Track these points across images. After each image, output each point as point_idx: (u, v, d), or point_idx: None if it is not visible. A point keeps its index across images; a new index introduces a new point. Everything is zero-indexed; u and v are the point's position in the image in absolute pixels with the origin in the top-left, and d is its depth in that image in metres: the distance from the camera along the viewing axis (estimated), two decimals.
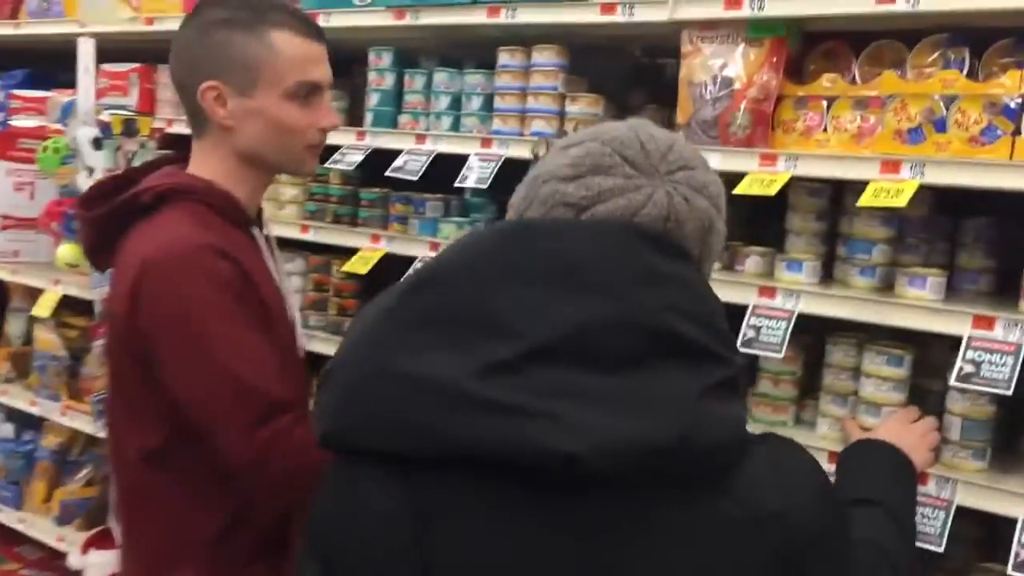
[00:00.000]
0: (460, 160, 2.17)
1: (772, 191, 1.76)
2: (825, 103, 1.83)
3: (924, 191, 1.87)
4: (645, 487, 0.92)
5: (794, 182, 1.91)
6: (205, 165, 1.64)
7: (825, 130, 1.83)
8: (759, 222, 2.04)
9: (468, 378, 0.89)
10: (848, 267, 1.88)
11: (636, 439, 0.89)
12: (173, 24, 2.62)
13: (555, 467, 0.88)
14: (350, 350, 0.97)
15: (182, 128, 2.73)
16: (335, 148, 2.35)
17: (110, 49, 2.91)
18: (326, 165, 2.36)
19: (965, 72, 1.72)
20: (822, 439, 1.84)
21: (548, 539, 0.92)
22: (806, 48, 1.97)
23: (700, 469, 0.94)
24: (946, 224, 1.96)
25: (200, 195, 1.58)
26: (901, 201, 1.63)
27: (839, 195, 1.94)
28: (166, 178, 1.62)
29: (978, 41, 1.77)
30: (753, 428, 1.76)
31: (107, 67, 2.93)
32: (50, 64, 3.20)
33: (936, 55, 1.77)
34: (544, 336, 0.90)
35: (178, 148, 2.88)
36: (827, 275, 1.93)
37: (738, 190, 1.79)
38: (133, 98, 2.85)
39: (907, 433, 1.64)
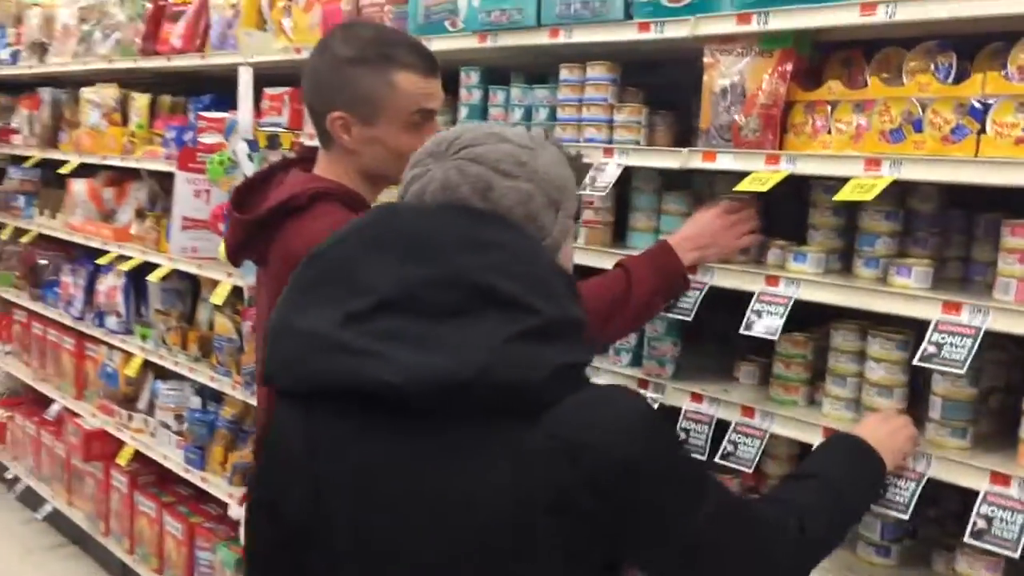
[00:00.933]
0: None
1: (766, 187, 1.95)
2: (829, 107, 1.99)
3: (935, 188, 2.01)
4: (463, 417, 1.15)
5: (814, 181, 2.08)
6: (332, 172, 1.97)
7: (829, 132, 1.99)
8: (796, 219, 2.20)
9: (333, 327, 1.17)
10: (857, 259, 2.02)
11: (442, 373, 1.12)
12: None
13: (385, 396, 1.13)
14: (273, 311, 1.28)
15: None
16: None
17: (270, 74, 3.42)
18: None
19: (953, 75, 1.84)
20: (825, 417, 2.00)
21: (393, 460, 1.18)
22: (826, 57, 2.13)
23: (506, 403, 1.14)
24: (960, 219, 2.06)
25: (340, 197, 1.91)
26: (870, 196, 1.78)
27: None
28: (311, 182, 1.93)
29: (976, 45, 1.88)
30: (769, 407, 1.97)
31: (268, 91, 3.44)
32: (232, 88, 3.77)
33: (926, 60, 1.89)
34: (387, 292, 1.17)
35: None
36: (847, 268, 2.08)
37: (739, 187, 1.99)
38: (285, 116, 3.34)
39: (879, 427, 1.77)
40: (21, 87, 5.62)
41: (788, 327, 2.00)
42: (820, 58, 2.13)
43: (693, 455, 1.45)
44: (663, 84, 2.44)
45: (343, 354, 1.16)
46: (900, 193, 2.02)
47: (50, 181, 5.27)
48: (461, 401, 1.15)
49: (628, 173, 2.34)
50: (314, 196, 1.89)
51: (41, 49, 5.31)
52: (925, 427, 1.85)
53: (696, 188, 2.32)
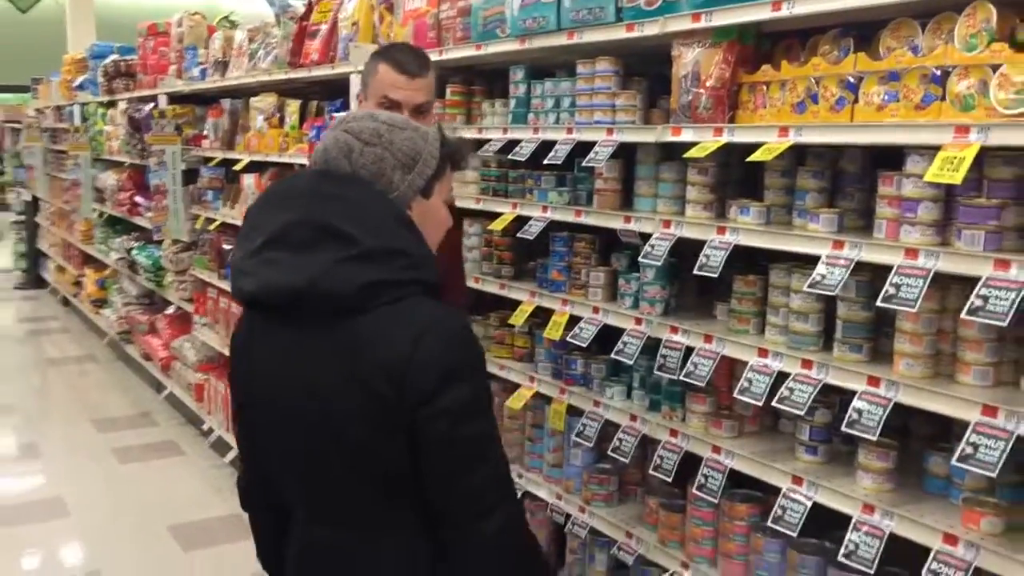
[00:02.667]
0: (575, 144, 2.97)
1: (703, 154, 2.40)
2: (765, 87, 2.42)
3: (859, 151, 2.39)
4: (311, 321, 1.61)
5: (767, 150, 2.51)
6: None
7: (765, 107, 2.42)
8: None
9: (244, 257, 1.66)
10: (794, 212, 2.44)
11: (285, 283, 1.59)
12: None
13: (250, 302, 1.67)
14: None
15: None
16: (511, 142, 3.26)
17: None
18: (490, 153, 3.31)
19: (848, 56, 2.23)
20: (765, 341, 2.43)
21: (280, 355, 1.67)
22: (775, 45, 2.54)
23: (332, 308, 1.58)
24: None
25: None
26: (768, 156, 2.21)
27: (803, 158, 2.49)
28: None
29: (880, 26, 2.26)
30: (724, 335, 2.43)
31: None
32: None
33: (832, 44, 2.29)
34: (274, 232, 1.62)
35: None
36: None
37: (687, 155, 2.46)
38: None
39: None
40: (209, 99, 6.63)
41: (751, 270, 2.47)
42: (772, 46, 2.55)
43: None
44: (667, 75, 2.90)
45: (243, 275, 1.67)
46: (833, 156, 2.43)
47: (232, 178, 6.23)
48: (305, 308, 1.60)
49: (633, 148, 2.84)
50: None
51: (223, 66, 6.27)
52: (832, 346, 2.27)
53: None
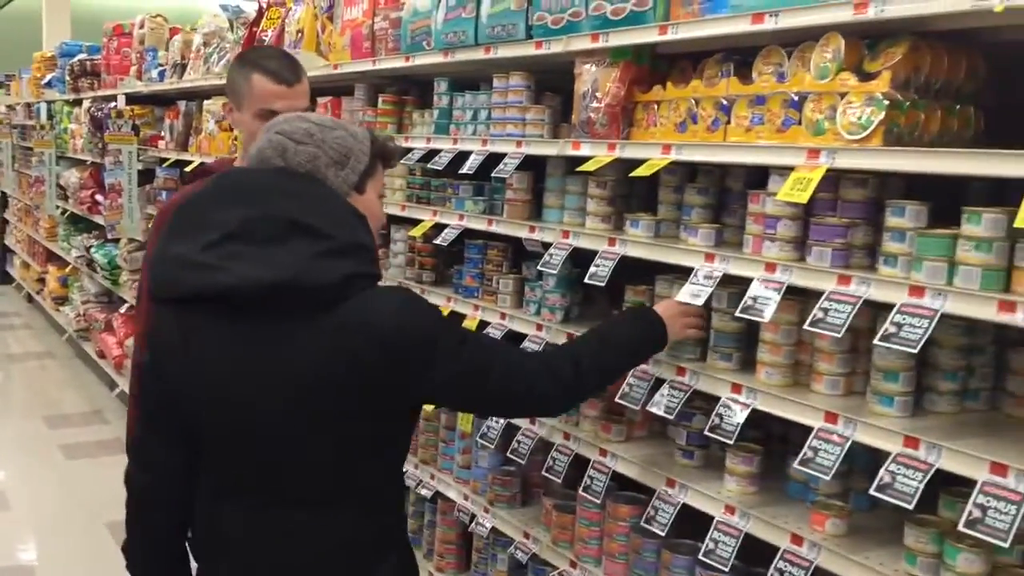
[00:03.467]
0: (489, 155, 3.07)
1: (593, 167, 2.51)
2: (656, 106, 2.52)
3: (743, 170, 2.50)
4: (284, 312, 1.66)
5: (649, 165, 2.61)
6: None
7: (655, 125, 2.52)
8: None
9: (195, 252, 1.68)
10: (681, 226, 2.54)
11: (266, 279, 1.64)
12: (351, 67, 3.83)
13: (230, 297, 1.65)
14: (154, 247, 1.90)
15: None
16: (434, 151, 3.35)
17: (320, 87, 4.19)
18: (413, 161, 3.41)
19: (729, 78, 2.34)
20: None
21: (239, 348, 1.70)
22: (671, 67, 2.65)
23: (312, 300, 1.66)
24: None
25: (205, 173, 2.66)
26: (649, 172, 2.32)
27: (694, 175, 2.60)
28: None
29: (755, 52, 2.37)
30: None
31: (319, 99, 4.22)
32: None
33: (716, 67, 2.40)
34: (231, 227, 1.67)
35: None
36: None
37: (582, 167, 2.56)
38: None
39: (673, 308, 2.29)
40: (168, 101, 6.71)
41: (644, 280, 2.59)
42: (668, 68, 2.65)
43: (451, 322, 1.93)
44: None
45: (202, 270, 1.67)
46: (721, 174, 2.54)
47: (186, 179, 6.30)
48: (282, 300, 1.66)
49: (544, 160, 2.94)
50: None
51: (181, 69, 6.35)
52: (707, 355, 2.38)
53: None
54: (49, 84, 9.71)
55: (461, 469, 3.28)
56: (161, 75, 6.62)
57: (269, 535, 1.81)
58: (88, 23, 13.82)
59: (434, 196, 3.44)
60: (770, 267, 2.10)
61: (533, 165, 2.99)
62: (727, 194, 2.54)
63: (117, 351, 7.27)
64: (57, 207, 9.13)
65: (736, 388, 2.20)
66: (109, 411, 7.08)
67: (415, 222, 3.49)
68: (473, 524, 3.14)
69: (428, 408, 3.31)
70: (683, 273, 2.46)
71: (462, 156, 3.16)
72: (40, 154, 9.52)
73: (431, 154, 3.34)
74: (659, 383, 2.39)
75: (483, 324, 3.07)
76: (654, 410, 2.33)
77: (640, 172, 2.36)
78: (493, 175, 2.98)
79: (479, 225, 3.12)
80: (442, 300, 3.31)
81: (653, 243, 2.48)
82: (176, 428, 1.85)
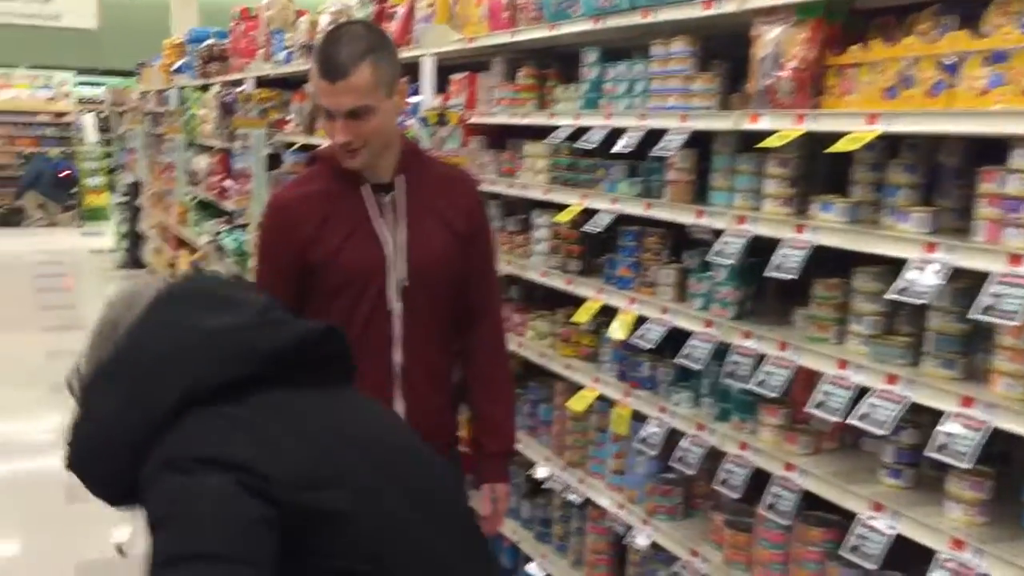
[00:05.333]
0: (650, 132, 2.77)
1: (781, 143, 2.18)
2: (853, 70, 2.18)
3: (960, 143, 2.14)
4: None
5: (852, 139, 2.27)
6: None
7: (852, 92, 2.18)
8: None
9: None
10: (883, 209, 2.20)
11: None
12: (488, 40, 3.59)
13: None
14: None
15: (493, 119, 3.68)
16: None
17: (451, 64, 3.96)
18: (559, 140, 3.15)
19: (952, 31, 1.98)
20: (848, 353, 2.19)
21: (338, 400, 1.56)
22: (868, 25, 2.29)
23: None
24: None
25: (327, 159, 2.42)
26: (852, 147, 1.98)
27: (894, 150, 2.24)
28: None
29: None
30: (801, 343, 2.21)
31: (453, 76, 3.99)
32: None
33: (932, 22, 2.04)
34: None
35: (489, 135, 3.84)
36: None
37: (764, 143, 2.24)
38: (463, 98, 3.86)
39: None
40: (295, 83, 6.61)
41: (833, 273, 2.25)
42: (864, 26, 2.30)
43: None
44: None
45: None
46: (930, 148, 2.18)
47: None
48: None
49: (711, 136, 2.63)
50: (312, 158, 2.51)
51: (308, 50, 6.23)
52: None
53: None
54: (179, 70, 9.83)
55: (613, 475, 3.01)
56: (288, 57, 6.53)
57: None
58: (216, 9, 14.07)
59: (582, 178, 3.16)
60: (1014, 259, 1.75)
61: (694, 142, 2.67)
62: (939, 171, 2.17)
63: None
64: (187, 193, 9.25)
65: (967, 401, 1.85)
66: None
67: (560, 207, 3.22)
68: (629, 536, 2.87)
69: (576, 408, 3.06)
70: (888, 264, 2.12)
71: (614, 134, 2.88)
72: (171, 140, 9.66)
73: (578, 133, 3.07)
74: (862, 392, 2.06)
75: (641, 320, 2.79)
76: (861, 424, 2.00)
77: (840, 147, 2.03)
78: (651, 154, 2.68)
79: (635, 210, 2.82)
80: (592, 291, 3.04)
81: (851, 229, 2.14)
82: None
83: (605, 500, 3.01)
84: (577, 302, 3.15)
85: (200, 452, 1.35)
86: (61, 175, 17.13)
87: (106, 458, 1.41)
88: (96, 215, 16.91)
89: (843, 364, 2.14)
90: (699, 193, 2.72)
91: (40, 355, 8.34)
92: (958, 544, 1.86)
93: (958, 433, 1.83)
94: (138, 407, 1.39)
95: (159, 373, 1.41)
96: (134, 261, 12.68)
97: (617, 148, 2.76)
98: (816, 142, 2.35)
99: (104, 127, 17.05)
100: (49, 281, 12.30)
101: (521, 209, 3.64)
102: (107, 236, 14.72)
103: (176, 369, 1.41)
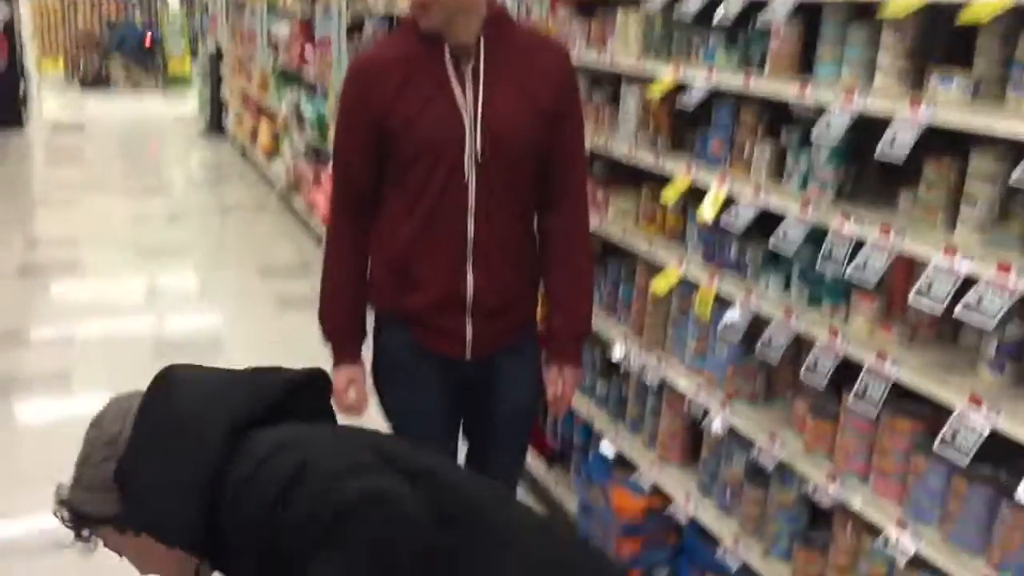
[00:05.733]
0: None
1: (903, 13, 2.01)
2: None
3: None
4: None
5: (988, 7, 2.08)
6: None
7: None
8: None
9: None
10: (1009, 84, 2.02)
11: None
12: None
13: None
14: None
15: None
16: None
17: None
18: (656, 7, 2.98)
19: None
20: (958, 239, 2.06)
21: None
22: None
23: None
24: None
25: (409, 24, 2.33)
26: (986, 15, 1.80)
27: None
28: None
29: None
30: (908, 229, 2.08)
31: None
32: None
33: None
34: None
35: (577, 3, 3.67)
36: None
37: (885, 12, 2.07)
38: None
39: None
40: None
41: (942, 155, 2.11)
42: None
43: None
44: None
45: None
46: None
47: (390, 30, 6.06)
48: None
49: (818, 6, 2.45)
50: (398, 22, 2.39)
51: None
52: None
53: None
54: None
55: (694, 357, 2.95)
56: None
57: None
58: None
59: (676, 48, 3.00)
60: None
61: (799, 11, 2.48)
62: None
63: (325, 208, 7.32)
64: (268, 61, 9.20)
65: None
66: (316, 264, 7.20)
67: (650, 80, 3.07)
68: (706, 420, 2.83)
69: (661, 289, 2.98)
70: (1010, 147, 1.97)
71: (712, 5, 2.70)
72: (252, 7, 9.56)
73: (674, 2, 2.89)
74: (968, 283, 1.94)
75: (729, 200, 2.67)
76: (965, 314, 1.90)
77: (970, 17, 1.85)
78: (756, 24, 2.51)
79: (734, 82, 2.67)
80: (681, 167, 2.92)
81: (972, 107, 1.99)
82: None
83: (683, 382, 2.96)
84: (663, 180, 3.04)
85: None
86: (145, 41, 17.24)
87: (173, 515, 1.39)
88: (179, 82, 17.05)
89: (951, 250, 2.02)
90: (804, 67, 2.55)
91: (126, 219, 8.54)
92: None
93: None
94: (188, 458, 1.40)
95: (197, 418, 1.43)
96: (216, 128, 12.80)
97: (719, 19, 2.59)
98: (937, 11, 2.17)
99: None
100: (134, 146, 12.51)
101: (609, 81, 3.50)
102: (190, 103, 14.85)
103: (210, 409, 1.44)
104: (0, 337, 5.60)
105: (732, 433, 2.76)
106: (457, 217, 2.32)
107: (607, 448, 3.37)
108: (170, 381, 1.50)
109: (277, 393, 1.51)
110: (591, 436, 3.58)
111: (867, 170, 2.47)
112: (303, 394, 1.57)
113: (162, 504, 1.38)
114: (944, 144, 2.17)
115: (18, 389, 4.92)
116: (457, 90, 2.27)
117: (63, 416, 4.67)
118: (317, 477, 1.32)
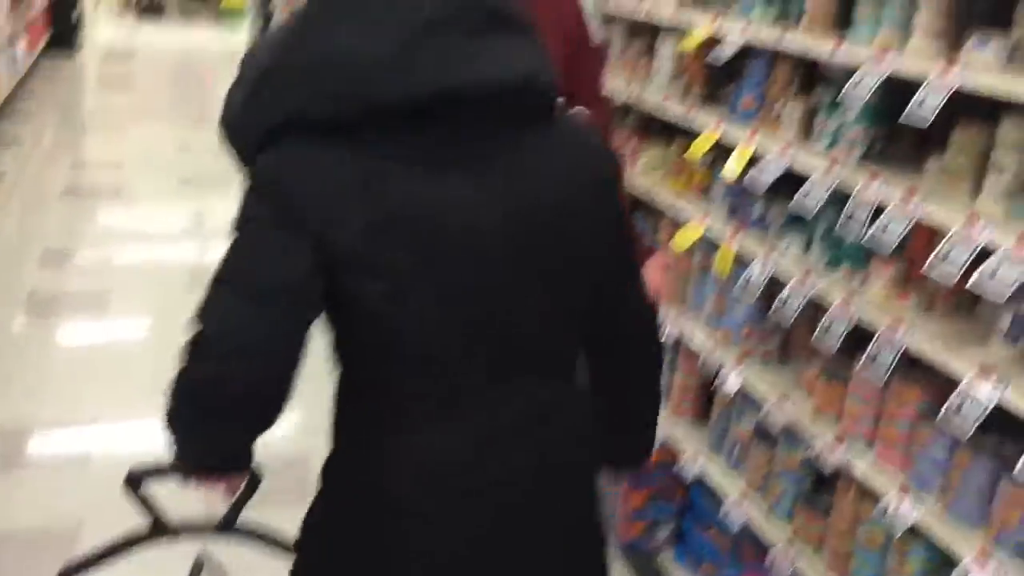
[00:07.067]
0: None
1: None
2: None
3: None
4: (511, 123, 1.39)
5: None
6: None
7: None
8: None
9: (392, 47, 1.29)
10: None
11: (518, 72, 1.36)
12: None
13: (457, 105, 1.31)
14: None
15: None
16: None
17: None
18: None
19: None
20: (981, 207, 2.02)
21: (459, 178, 1.35)
22: None
23: (539, 105, 1.43)
24: None
25: None
26: None
27: None
28: None
29: None
30: (933, 194, 2.04)
31: None
32: None
33: None
34: (432, 14, 1.30)
35: None
36: None
37: None
38: None
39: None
40: None
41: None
42: None
43: None
44: None
45: (411, 68, 1.28)
46: None
47: None
48: (513, 104, 1.37)
49: None
50: None
51: None
52: None
53: None
54: None
55: (712, 315, 2.94)
56: None
57: (529, 415, 1.49)
58: None
59: (714, 2, 2.94)
60: None
61: None
62: None
63: None
64: None
65: None
66: None
67: (683, 33, 3.02)
68: (720, 377, 2.82)
69: (683, 244, 2.96)
70: None
71: None
72: None
73: None
74: (986, 253, 1.90)
75: (755, 158, 2.63)
76: (980, 283, 1.86)
77: None
78: None
79: (769, 36, 2.61)
80: (711, 121, 2.88)
81: (1007, 70, 1.93)
82: None
83: (699, 338, 2.95)
84: (694, 135, 3.00)
85: (262, 180, 1.35)
86: None
87: (235, 134, 1.44)
88: (233, 13, 17.07)
89: (974, 218, 1.97)
90: (843, 25, 2.49)
91: (172, 148, 8.63)
92: None
93: None
94: (250, 113, 1.39)
95: (269, 85, 1.35)
96: None
97: None
98: None
99: None
100: (185, 76, 12.59)
101: (646, 32, 3.44)
102: (243, 35, 14.87)
103: (280, 90, 1.34)
104: (43, 256, 5.72)
105: (743, 393, 2.75)
106: None
107: None
108: (312, 9, 1.38)
109: (379, 107, 1.32)
110: None
111: (899, 135, 2.41)
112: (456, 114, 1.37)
113: (226, 128, 1.47)
114: (980, 112, 2.11)
115: (58, 308, 5.04)
116: None
117: (97, 338, 4.78)
118: None
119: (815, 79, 2.58)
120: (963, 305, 2.23)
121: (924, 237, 2.23)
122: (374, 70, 1.28)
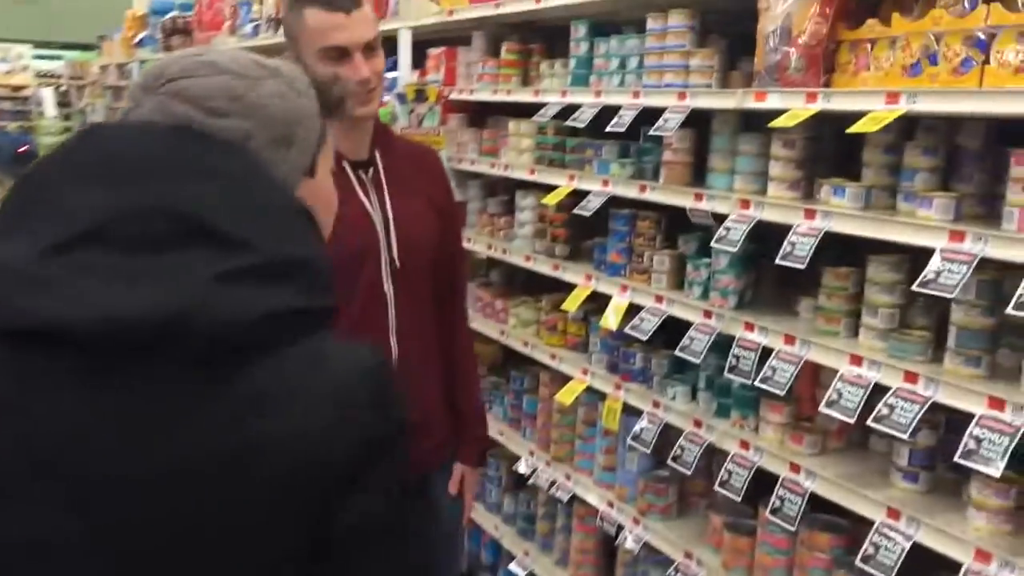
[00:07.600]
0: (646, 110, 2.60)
1: (793, 123, 2.04)
2: (869, 45, 2.03)
3: (981, 125, 2.01)
4: (165, 368, 0.94)
5: (872, 119, 2.12)
6: None
7: (868, 69, 2.03)
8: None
9: (29, 261, 0.94)
10: (899, 194, 2.06)
11: (130, 312, 0.92)
12: (469, 13, 3.40)
13: (82, 338, 0.92)
14: None
15: (474, 96, 3.49)
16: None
17: (428, 38, 3.77)
18: (546, 119, 2.97)
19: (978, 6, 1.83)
20: (858, 347, 2.06)
21: (100, 415, 0.94)
22: None
23: (210, 352, 0.94)
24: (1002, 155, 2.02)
25: None
26: (875, 127, 1.84)
27: (912, 131, 2.10)
28: None
29: None
30: (810, 336, 2.07)
31: (431, 51, 3.80)
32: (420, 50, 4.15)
33: None
34: (88, 220, 0.95)
35: (468, 112, 3.67)
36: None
37: (775, 123, 2.09)
38: (441, 73, 3.68)
39: None
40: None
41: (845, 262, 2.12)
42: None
43: None
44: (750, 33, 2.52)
45: (37, 290, 0.94)
46: (948, 130, 2.04)
47: None
48: (160, 348, 0.94)
49: (708, 116, 2.48)
50: None
51: (276, 24, 6.00)
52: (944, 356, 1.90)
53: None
54: (141, 43, 9.50)
55: (603, 471, 2.87)
56: (255, 31, 6.29)
57: None
58: None
59: (570, 158, 3.00)
60: None
61: (691, 121, 2.51)
62: (958, 155, 2.04)
63: None
64: None
65: (996, 403, 1.72)
66: None
67: (546, 188, 3.06)
68: (620, 537, 2.73)
69: (564, 400, 2.91)
70: (905, 253, 2.00)
71: (603, 113, 2.72)
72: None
73: (566, 111, 2.90)
74: (880, 390, 1.93)
75: (634, 308, 2.64)
76: (879, 426, 1.87)
77: (862, 127, 1.89)
78: (650, 133, 2.52)
79: (629, 192, 2.67)
80: (580, 278, 2.88)
81: (866, 216, 2.01)
82: None
83: (593, 497, 2.87)
84: (561, 288, 3.00)
85: None
86: (20, 150, 16.66)
87: None
88: None
89: (857, 360, 2.01)
90: (696, 176, 2.57)
91: None
92: (984, 556, 1.74)
93: (986, 438, 1.70)
94: None
95: None
96: None
97: (611, 127, 2.60)
98: (824, 122, 2.22)
99: (63, 101, 16.58)
100: None
101: (503, 190, 3.48)
102: None
103: None
104: None
105: (647, 549, 2.67)
106: (380, 335, 2.18)
107: (517, 568, 3.23)
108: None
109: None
110: (500, 555, 3.43)
111: (766, 278, 2.47)
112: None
113: None
114: (841, 248, 2.19)
115: None
116: (364, 200, 2.18)
117: None
118: None
119: (679, 227, 2.64)
120: (855, 440, 2.26)
121: (808, 377, 2.26)
122: (8, 279, 0.95)
